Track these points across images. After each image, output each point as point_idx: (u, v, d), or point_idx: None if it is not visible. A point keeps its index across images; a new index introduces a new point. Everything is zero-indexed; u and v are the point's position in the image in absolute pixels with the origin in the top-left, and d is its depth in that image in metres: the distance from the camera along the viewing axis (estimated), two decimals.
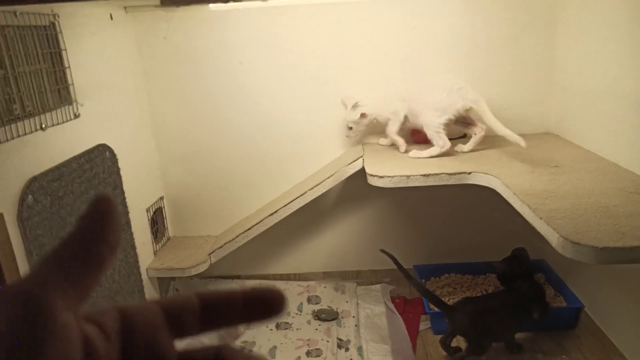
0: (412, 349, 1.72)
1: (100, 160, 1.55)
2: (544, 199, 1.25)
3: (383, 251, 1.73)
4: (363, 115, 1.84)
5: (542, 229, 1.15)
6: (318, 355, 1.71)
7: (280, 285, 2.14)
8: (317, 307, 1.99)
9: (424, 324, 1.87)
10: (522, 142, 1.52)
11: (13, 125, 1.18)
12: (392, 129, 1.82)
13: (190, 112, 1.99)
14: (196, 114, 1.99)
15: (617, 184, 1.33)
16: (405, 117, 1.80)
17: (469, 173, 1.54)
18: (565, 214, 1.15)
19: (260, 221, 1.90)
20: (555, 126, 1.93)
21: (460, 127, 1.78)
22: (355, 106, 1.87)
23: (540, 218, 1.15)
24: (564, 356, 1.63)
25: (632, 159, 1.43)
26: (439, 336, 1.76)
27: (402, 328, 1.83)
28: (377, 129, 1.92)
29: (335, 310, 1.95)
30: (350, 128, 1.90)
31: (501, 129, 1.58)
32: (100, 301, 1.49)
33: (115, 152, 1.63)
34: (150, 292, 1.91)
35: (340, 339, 1.80)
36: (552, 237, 1.09)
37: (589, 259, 1.01)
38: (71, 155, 1.40)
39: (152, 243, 1.96)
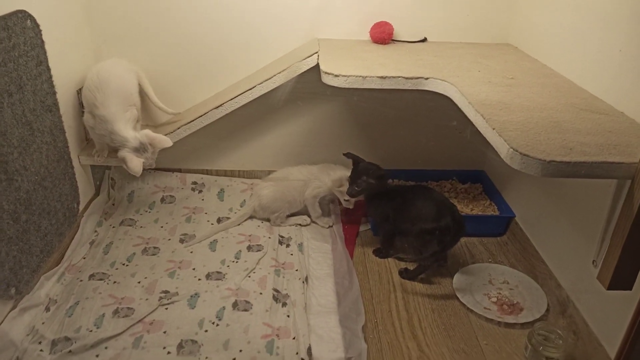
0: (350, 249, 1.77)
1: (20, 30, 1.35)
2: (498, 110, 1.24)
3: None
4: None
5: (493, 139, 1.14)
6: (259, 250, 1.72)
7: (223, 181, 2.09)
8: None
9: (364, 226, 1.92)
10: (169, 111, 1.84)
11: None
12: None
13: None
14: None
15: (569, 100, 1.33)
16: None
17: (426, 79, 1.49)
18: (517, 127, 1.15)
19: (204, 114, 1.79)
20: (515, 38, 1.89)
21: None
22: None
23: (493, 129, 1.14)
24: (490, 259, 1.74)
25: (587, 76, 1.44)
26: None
27: (340, 228, 1.87)
28: None
29: None
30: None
31: (156, 102, 1.82)
32: (27, 185, 1.39)
33: (39, 22, 1.43)
34: (83, 180, 1.80)
35: (281, 236, 1.82)
36: (502, 148, 1.09)
37: (535, 171, 1.03)
38: None
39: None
